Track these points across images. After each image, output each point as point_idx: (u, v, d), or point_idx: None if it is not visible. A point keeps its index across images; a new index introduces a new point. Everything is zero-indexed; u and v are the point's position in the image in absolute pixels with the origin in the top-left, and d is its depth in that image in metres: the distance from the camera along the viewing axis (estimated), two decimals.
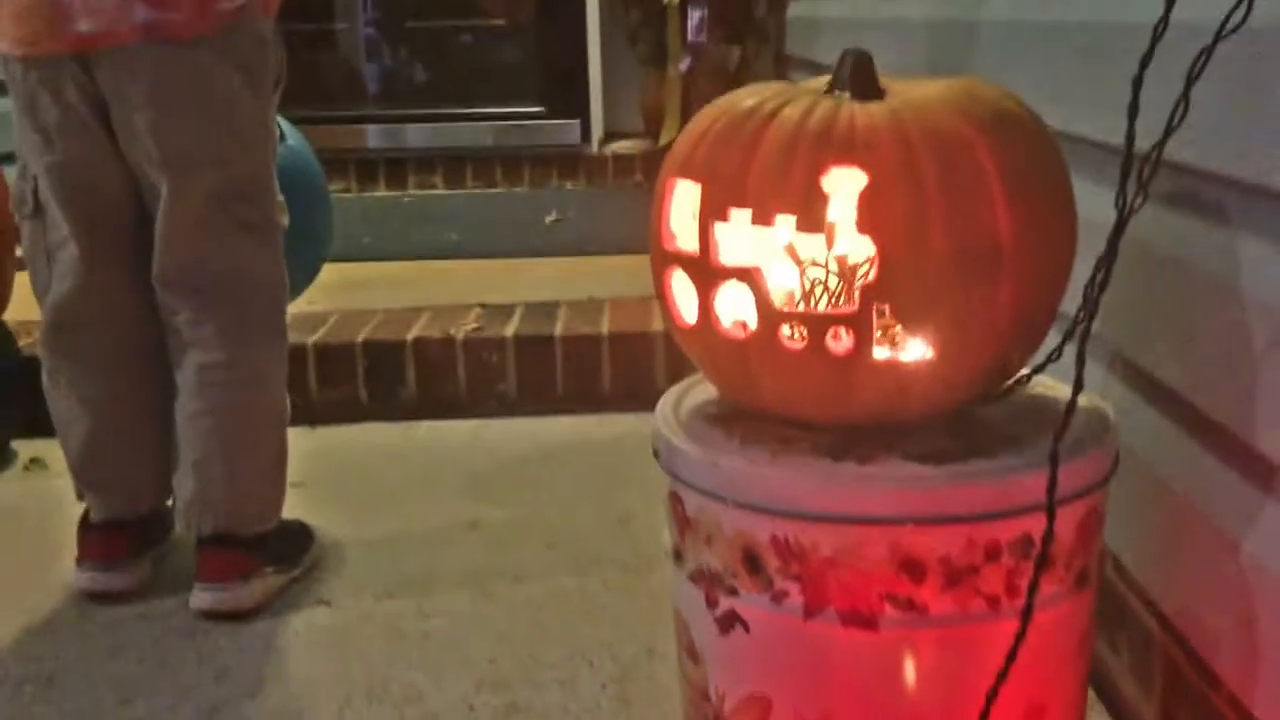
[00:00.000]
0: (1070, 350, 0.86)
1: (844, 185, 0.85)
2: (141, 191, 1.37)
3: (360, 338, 2.04)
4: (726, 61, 2.97)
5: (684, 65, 2.92)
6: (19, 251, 1.61)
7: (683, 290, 0.95)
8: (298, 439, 1.52)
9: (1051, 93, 1.19)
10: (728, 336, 0.91)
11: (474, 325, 2.08)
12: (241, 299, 1.40)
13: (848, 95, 0.93)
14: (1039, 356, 0.96)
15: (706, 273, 0.91)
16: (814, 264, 0.87)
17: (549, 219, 2.74)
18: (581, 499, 1.72)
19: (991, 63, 1.39)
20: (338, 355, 2.03)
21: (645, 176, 3.20)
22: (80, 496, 1.47)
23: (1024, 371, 0.97)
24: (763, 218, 0.88)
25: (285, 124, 1.68)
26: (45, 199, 1.38)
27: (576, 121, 3.17)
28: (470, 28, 3.38)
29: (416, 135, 3.20)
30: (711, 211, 0.90)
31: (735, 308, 0.90)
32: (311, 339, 2.03)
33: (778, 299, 0.88)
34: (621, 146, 3.25)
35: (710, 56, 2.94)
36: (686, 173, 0.93)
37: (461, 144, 3.17)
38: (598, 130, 3.20)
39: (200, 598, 1.39)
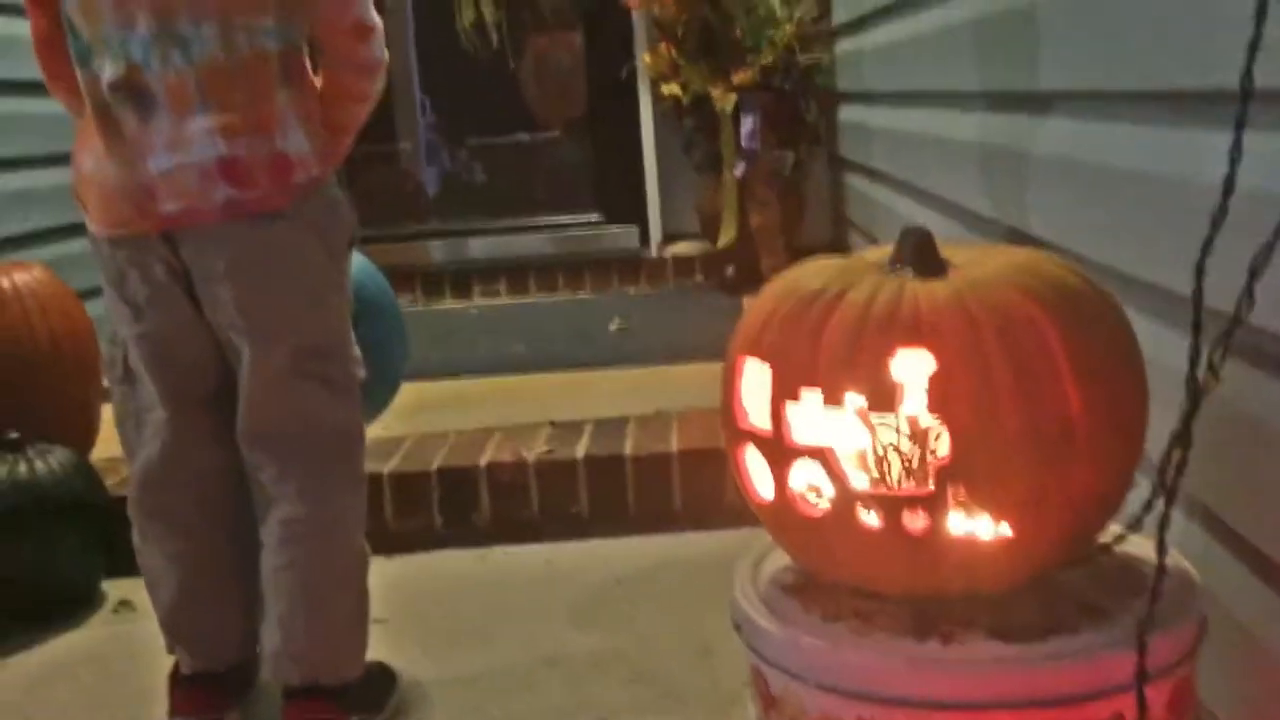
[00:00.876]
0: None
1: (912, 367, 0.87)
2: (225, 355, 1.42)
3: (435, 465, 2.08)
4: (781, 166, 3.02)
5: (739, 170, 2.97)
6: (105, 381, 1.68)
7: (757, 466, 0.96)
8: (376, 569, 1.54)
9: (1110, 232, 1.21)
10: (803, 513, 0.93)
11: (545, 448, 2.11)
12: (321, 453, 1.43)
13: (910, 272, 0.94)
14: (1123, 511, 0.96)
15: (780, 451, 0.93)
16: (886, 445, 0.89)
17: (613, 326, 2.78)
18: (660, 629, 1.72)
19: (1046, 196, 1.40)
20: (413, 484, 2.06)
21: (705, 277, 3.25)
22: (171, 650, 1.51)
23: (1104, 540, 0.97)
24: (833, 398, 0.89)
25: (362, 260, 1.72)
26: (135, 365, 1.43)
27: (635, 226, 3.24)
28: (528, 141, 3.47)
29: (479, 247, 3.28)
30: (783, 392, 0.92)
31: (810, 486, 0.92)
32: (387, 468, 2.07)
33: (852, 478, 0.90)
34: (680, 249, 3.30)
35: (764, 161, 2.99)
36: (756, 352, 0.96)
37: (523, 253, 3.25)
38: (656, 234, 3.26)
39: None
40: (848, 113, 2.87)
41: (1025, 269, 0.92)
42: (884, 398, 0.87)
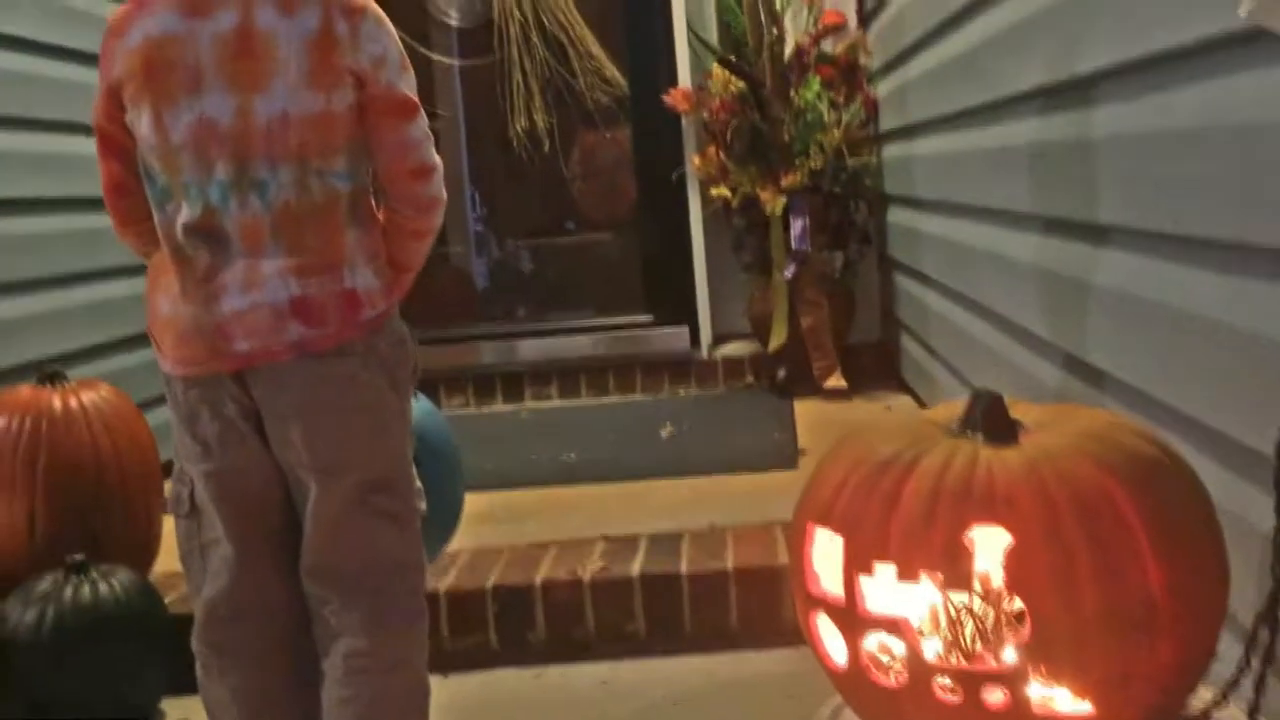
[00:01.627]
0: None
1: (988, 543, 0.87)
2: (291, 490, 1.43)
3: (490, 582, 2.07)
4: (830, 267, 3.02)
5: (789, 272, 2.98)
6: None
7: (829, 634, 0.96)
8: (432, 688, 1.54)
9: (1176, 374, 1.20)
10: (878, 684, 0.92)
11: (600, 564, 2.10)
12: (384, 586, 1.43)
13: (981, 438, 0.94)
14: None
15: (853, 621, 0.92)
16: (963, 620, 0.88)
17: (664, 433, 2.78)
18: None
19: (1107, 327, 1.40)
20: (469, 602, 2.06)
21: (755, 378, 3.25)
22: None
23: (1189, 711, 0.95)
24: (908, 573, 0.89)
25: (423, 403, 1.75)
26: (201, 501, 1.44)
27: (685, 327, 3.25)
28: (578, 242, 3.52)
29: (530, 348, 3.31)
30: (855, 564, 0.92)
31: (884, 655, 0.91)
32: (443, 585, 2.07)
33: (928, 652, 0.89)
34: (731, 350, 3.31)
35: (814, 263, 3.00)
36: (827, 522, 0.95)
37: (574, 355, 3.27)
38: (706, 335, 3.27)
39: None
40: (896, 215, 2.88)
41: (1099, 438, 0.92)
42: (960, 576, 0.87)
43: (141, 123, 1.28)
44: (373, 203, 1.40)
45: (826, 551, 0.94)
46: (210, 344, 1.31)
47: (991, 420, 0.94)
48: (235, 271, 1.29)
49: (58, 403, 2.06)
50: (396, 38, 1.32)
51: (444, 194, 1.40)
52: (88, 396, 2.09)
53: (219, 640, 1.48)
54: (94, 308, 2.55)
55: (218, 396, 1.35)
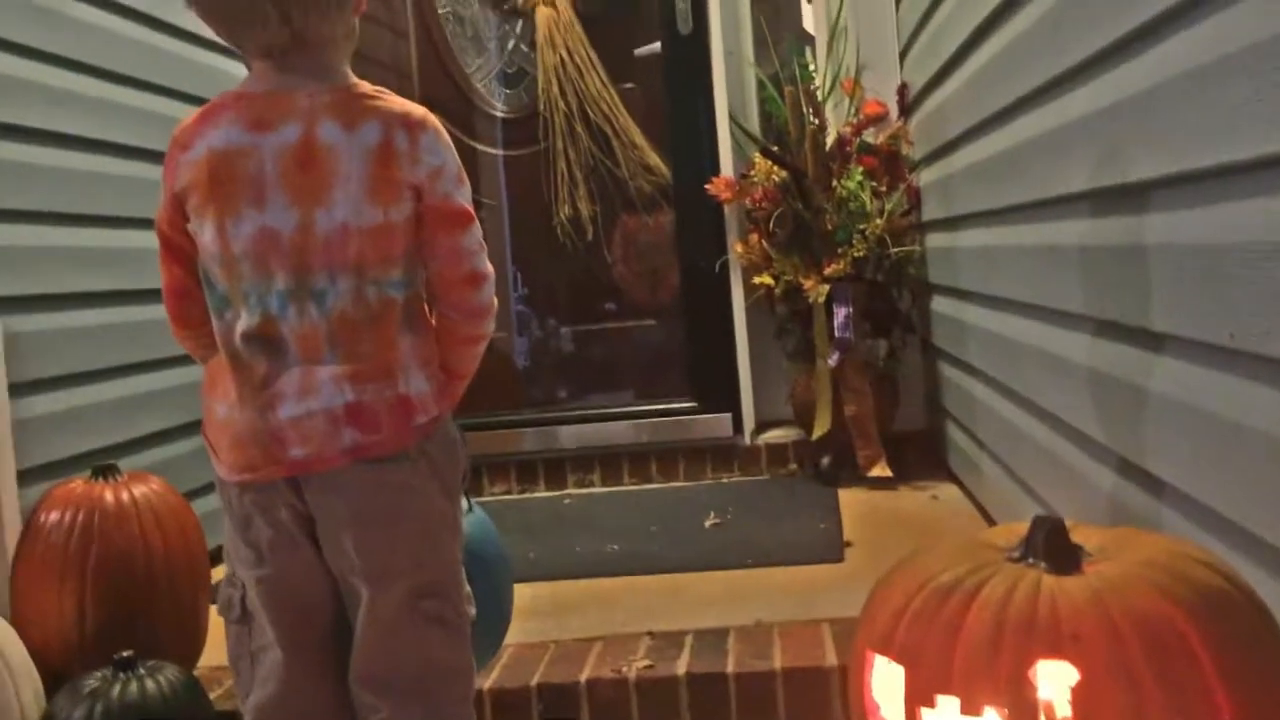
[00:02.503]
0: None
1: (1054, 678, 0.85)
2: (342, 596, 1.43)
3: (534, 680, 2.06)
4: (874, 355, 3.02)
5: (832, 360, 2.97)
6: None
7: None
8: None
9: (1238, 490, 1.18)
10: None
11: (645, 662, 2.08)
12: (433, 692, 1.42)
13: (1044, 565, 0.93)
14: None
15: None
16: None
17: (708, 523, 2.76)
18: None
19: (1164, 435, 1.38)
20: (514, 700, 2.04)
21: (799, 465, 3.23)
22: None
23: None
24: (972, 707, 0.88)
25: (477, 514, 1.76)
26: (253, 607, 1.43)
27: (728, 414, 3.24)
28: (620, 328, 3.53)
29: (572, 434, 3.31)
30: (917, 697, 0.90)
31: None
32: (487, 684, 2.05)
33: None
34: (774, 436, 3.30)
35: (858, 351, 2.99)
36: (887, 650, 0.94)
37: (617, 441, 3.27)
38: (749, 421, 3.26)
39: None
40: (940, 304, 2.88)
41: (1165, 567, 0.90)
42: (1025, 710, 0.85)
43: (204, 231, 1.31)
44: (426, 309, 1.41)
45: (887, 681, 0.93)
46: (265, 450, 1.32)
47: (1054, 547, 0.93)
48: (291, 378, 1.30)
49: (110, 497, 2.08)
50: (453, 149, 1.36)
51: (495, 301, 1.43)
52: (139, 490, 2.11)
53: None
54: (146, 398, 2.58)
55: (271, 502, 1.36)
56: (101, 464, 2.13)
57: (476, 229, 1.37)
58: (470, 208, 1.36)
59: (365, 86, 1.32)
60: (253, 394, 1.31)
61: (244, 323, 1.31)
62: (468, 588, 1.48)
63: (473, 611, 1.49)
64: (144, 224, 2.56)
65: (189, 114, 1.37)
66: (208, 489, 2.79)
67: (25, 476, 2.19)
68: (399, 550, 1.37)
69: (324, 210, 1.28)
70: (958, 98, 2.45)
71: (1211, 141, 1.16)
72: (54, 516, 2.05)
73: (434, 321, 1.41)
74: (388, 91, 1.32)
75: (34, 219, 2.28)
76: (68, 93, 2.40)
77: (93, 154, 2.47)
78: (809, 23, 3.62)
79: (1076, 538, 0.95)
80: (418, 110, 1.32)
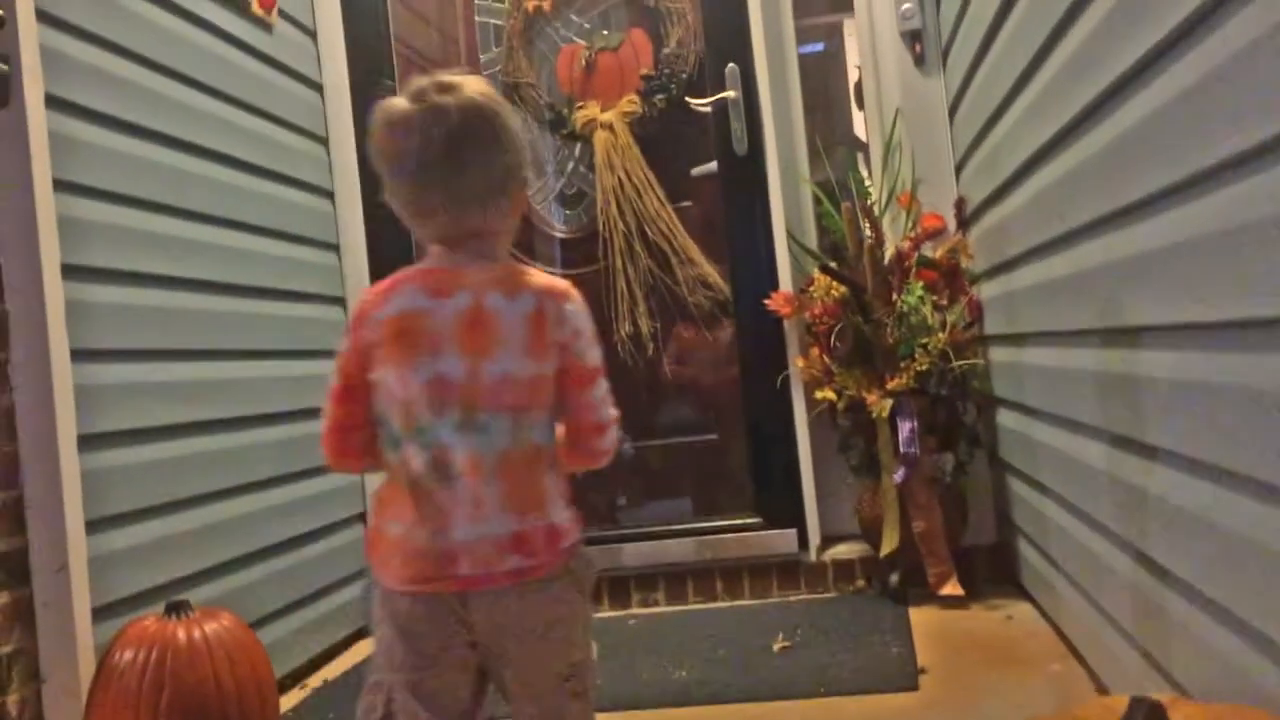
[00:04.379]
0: None
1: None
2: (495, 686, 1.58)
3: None
4: (940, 470, 2.98)
5: (898, 476, 2.94)
6: None
7: None
8: None
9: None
10: None
11: None
12: None
13: None
14: None
15: None
16: None
17: (776, 646, 2.71)
18: None
19: (1274, 604, 1.34)
20: None
21: (866, 582, 3.18)
22: None
23: None
24: None
25: None
26: (395, 710, 1.54)
27: (793, 530, 3.21)
28: (683, 444, 3.52)
29: (635, 552, 3.29)
30: None
31: None
32: None
33: None
34: (840, 552, 3.25)
35: (924, 466, 2.96)
36: None
37: (681, 559, 3.24)
38: (815, 537, 3.22)
39: None
40: (1007, 418, 2.84)
41: None
42: None
43: (388, 377, 1.52)
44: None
45: None
46: (437, 565, 1.50)
47: None
48: (463, 504, 1.50)
49: (182, 635, 2.10)
50: (589, 317, 1.58)
51: (614, 444, 1.63)
52: (210, 627, 2.13)
53: None
54: (215, 529, 2.61)
55: (440, 612, 1.52)
56: (174, 600, 2.15)
57: (604, 383, 1.60)
58: (600, 366, 1.58)
59: (520, 266, 1.58)
60: (430, 517, 1.50)
61: (420, 455, 1.51)
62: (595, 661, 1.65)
63: (598, 681, 1.65)
64: (209, 356, 2.63)
65: None
66: (274, 616, 2.81)
67: (99, 613, 2.21)
68: (554, 652, 1.57)
69: (488, 361, 1.50)
70: (1019, 216, 2.45)
71: None
72: (127, 655, 2.07)
73: (563, 455, 1.59)
74: (535, 269, 1.58)
75: (112, 357, 2.33)
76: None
77: (210, 295, 2.54)
78: (860, 130, 3.66)
79: (1175, 718, 0.91)
80: (562, 284, 1.57)
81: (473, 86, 1.55)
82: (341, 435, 1.60)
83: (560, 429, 1.59)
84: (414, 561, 1.50)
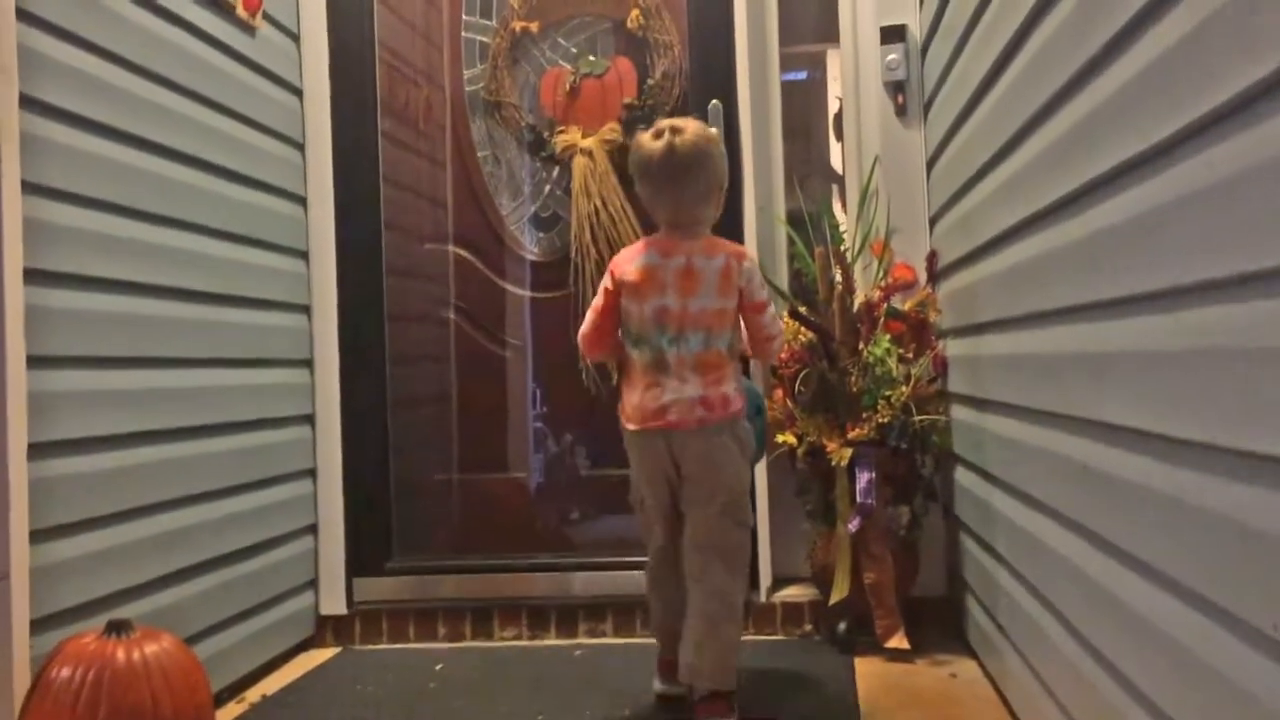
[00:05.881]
0: None
1: None
2: (680, 501, 2.52)
3: None
4: (895, 522, 2.99)
5: (853, 525, 2.95)
6: None
7: None
8: None
9: None
10: None
11: None
12: (728, 555, 2.49)
13: None
14: None
15: None
16: None
17: None
18: None
19: (1203, 712, 1.35)
20: None
21: (814, 627, 3.19)
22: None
23: None
24: None
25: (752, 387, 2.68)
26: (646, 502, 2.57)
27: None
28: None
29: (585, 582, 3.28)
30: None
31: None
32: None
33: None
34: (790, 594, 3.26)
35: (879, 517, 2.97)
36: None
37: (631, 590, 3.24)
38: (765, 578, 3.23)
39: None
40: (965, 477, 2.86)
41: None
42: None
43: (632, 306, 2.48)
44: (735, 351, 2.54)
45: None
46: (655, 415, 2.46)
47: None
48: (673, 382, 2.45)
49: (122, 655, 2.06)
50: (759, 270, 2.53)
51: (781, 335, 2.68)
52: (151, 649, 2.10)
53: (657, 575, 2.61)
54: (156, 541, 2.57)
55: (655, 442, 2.47)
56: (116, 620, 2.12)
57: (771, 309, 2.54)
58: (767, 300, 2.53)
59: (715, 238, 2.52)
60: (651, 387, 2.47)
61: (648, 354, 2.47)
62: (748, 505, 2.58)
63: (753, 520, 2.65)
64: (169, 364, 2.59)
65: None
66: (217, 628, 2.77)
67: (38, 624, 2.17)
68: (716, 480, 2.46)
69: (693, 299, 2.45)
70: (990, 284, 2.46)
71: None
72: (65, 673, 2.03)
73: (747, 345, 2.58)
74: (725, 240, 2.54)
75: (69, 364, 2.29)
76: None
77: (135, 296, 2.50)
78: (837, 161, 3.67)
79: None
80: (742, 248, 2.58)
81: (692, 130, 2.45)
82: (598, 335, 2.53)
83: (745, 336, 2.54)
84: (643, 413, 2.46)
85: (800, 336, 3.09)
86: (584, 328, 2.53)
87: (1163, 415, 1.44)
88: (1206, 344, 1.30)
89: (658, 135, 2.44)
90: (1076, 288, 1.79)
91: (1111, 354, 1.64)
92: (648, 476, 2.49)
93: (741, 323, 2.51)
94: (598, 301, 2.51)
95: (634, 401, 2.46)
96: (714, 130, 2.69)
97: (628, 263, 2.48)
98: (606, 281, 2.50)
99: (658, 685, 2.66)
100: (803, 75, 4.17)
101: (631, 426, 2.47)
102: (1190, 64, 1.31)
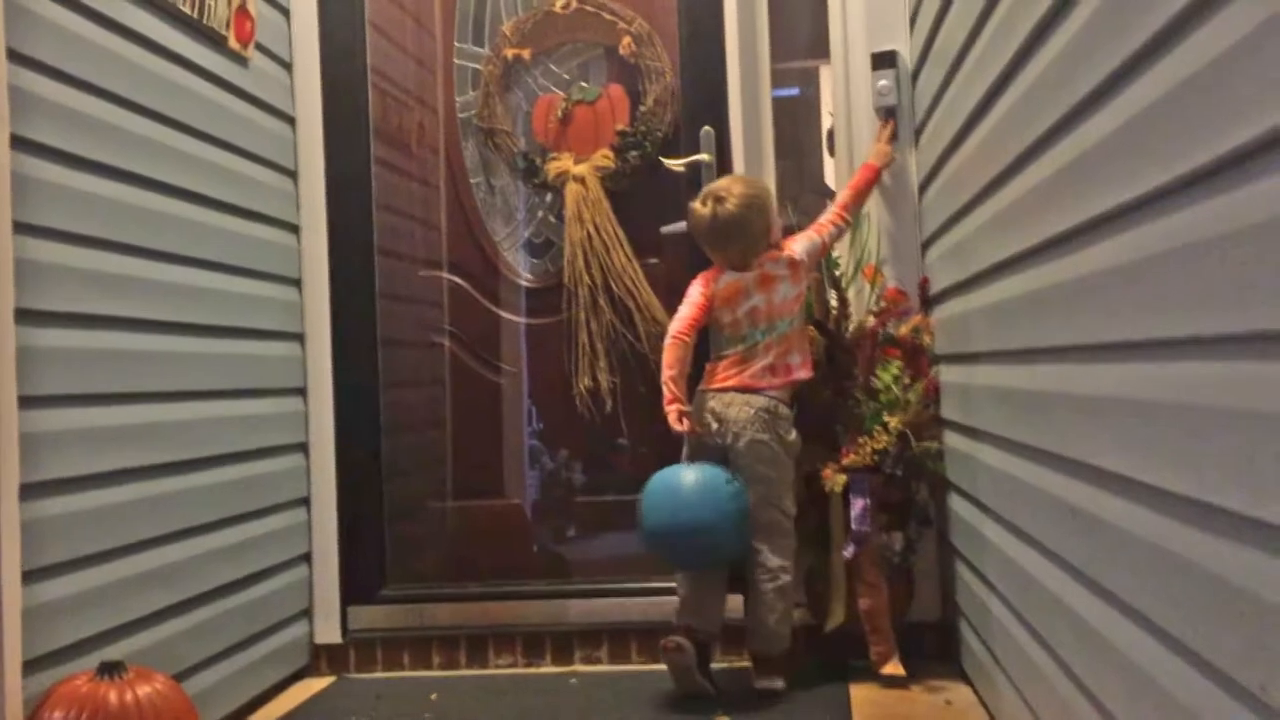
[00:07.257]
0: None
1: None
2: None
3: None
4: (890, 550, 2.99)
5: (848, 552, 2.95)
6: None
7: None
8: None
9: None
10: None
11: None
12: (776, 541, 2.90)
13: None
14: None
15: None
16: None
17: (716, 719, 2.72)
18: None
19: None
20: None
21: (809, 654, 3.18)
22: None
23: None
24: None
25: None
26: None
27: (740, 595, 3.20)
28: (630, 501, 3.51)
29: (580, 609, 3.28)
30: None
31: None
32: None
33: None
34: None
35: (874, 544, 2.97)
36: None
37: (626, 618, 3.24)
38: None
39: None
40: (959, 505, 2.86)
41: None
42: None
43: (724, 312, 2.97)
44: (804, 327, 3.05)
45: None
46: (739, 380, 2.95)
47: None
48: (760, 359, 2.94)
49: (114, 697, 2.07)
50: (800, 240, 3.03)
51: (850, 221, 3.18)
52: (143, 690, 2.10)
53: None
54: (147, 578, 2.56)
55: (734, 400, 2.96)
56: (108, 661, 2.12)
57: (815, 223, 3.09)
58: (806, 229, 3.08)
59: (774, 250, 2.98)
60: (739, 367, 2.96)
61: (740, 347, 2.97)
62: (790, 495, 2.98)
63: (794, 510, 2.97)
64: (162, 398, 2.59)
65: None
66: (211, 661, 2.77)
67: (30, 665, 2.16)
68: (767, 467, 2.94)
69: (774, 294, 2.94)
70: (982, 316, 2.46)
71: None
72: (57, 716, 2.03)
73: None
74: (784, 249, 2.99)
75: (62, 402, 2.29)
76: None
77: (128, 331, 2.50)
78: (831, 178, 3.68)
79: None
80: (795, 247, 3.00)
81: (735, 196, 2.91)
82: (690, 329, 2.91)
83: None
84: (729, 378, 2.95)
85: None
86: (676, 324, 2.95)
87: (1152, 465, 1.44)
88: (1195, 400, 1.30)
89: (704, 202, 2.91)
90: (1067, 328, 1.80)
91: (1101, 397, 1.64)
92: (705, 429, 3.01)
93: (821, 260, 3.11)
94: (696, 302, 2.97)
95: (719, 376, 3.01)
96: (760, 185, 3.01)
97: (714, 279, 2.99)
98: (698, 288, 3.00)
99: None
100: (795, 91, 4.18)
101: (707, 388, 3.01)
102: (1172, 120, 1.32)
